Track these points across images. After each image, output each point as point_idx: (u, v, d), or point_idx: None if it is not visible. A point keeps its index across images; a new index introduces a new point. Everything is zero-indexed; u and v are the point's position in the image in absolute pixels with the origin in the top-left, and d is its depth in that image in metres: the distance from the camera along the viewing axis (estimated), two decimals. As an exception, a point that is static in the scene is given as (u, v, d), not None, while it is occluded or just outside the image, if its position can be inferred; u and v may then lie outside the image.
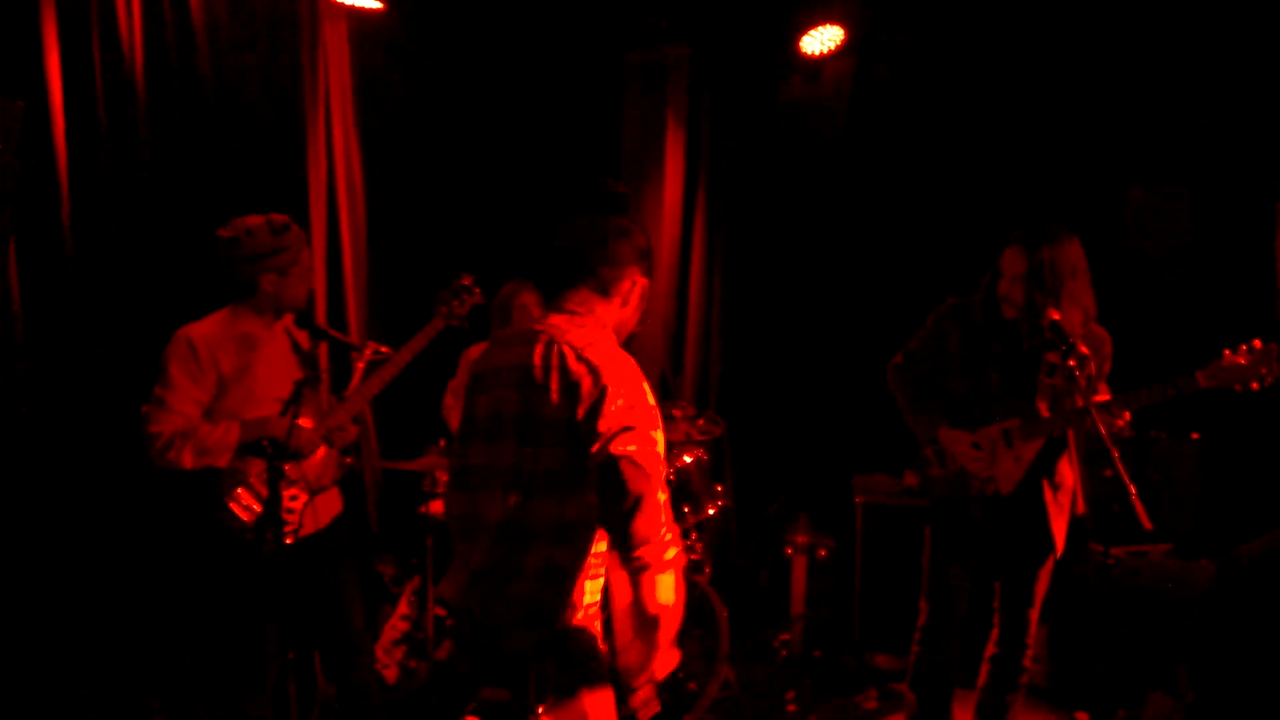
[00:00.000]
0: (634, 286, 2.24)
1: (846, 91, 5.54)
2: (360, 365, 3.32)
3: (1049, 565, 3.34)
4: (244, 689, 3.14)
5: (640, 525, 1.96)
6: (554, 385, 2.03)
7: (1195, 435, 4.47)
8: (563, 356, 2.04)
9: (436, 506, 4.12)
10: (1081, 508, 3.39)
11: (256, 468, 3.06)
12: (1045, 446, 3.25)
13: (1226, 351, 2.96)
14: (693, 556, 4.24)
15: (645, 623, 2.01)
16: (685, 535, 4.34)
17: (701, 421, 4.58)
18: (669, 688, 3.94)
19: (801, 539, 4.86)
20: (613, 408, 2.00)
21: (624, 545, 1.99)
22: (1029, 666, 3.42)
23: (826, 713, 4.33)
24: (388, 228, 5.21)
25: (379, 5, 4.91)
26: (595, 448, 1.99)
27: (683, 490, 4.24)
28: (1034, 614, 3.37)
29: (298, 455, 3.01)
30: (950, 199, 5.22)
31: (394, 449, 4.87)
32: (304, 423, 3.06)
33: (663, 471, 2.05)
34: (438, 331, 3.42)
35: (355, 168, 5.09)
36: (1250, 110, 4.55)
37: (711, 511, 4.40)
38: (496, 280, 4.00)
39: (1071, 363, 2.89)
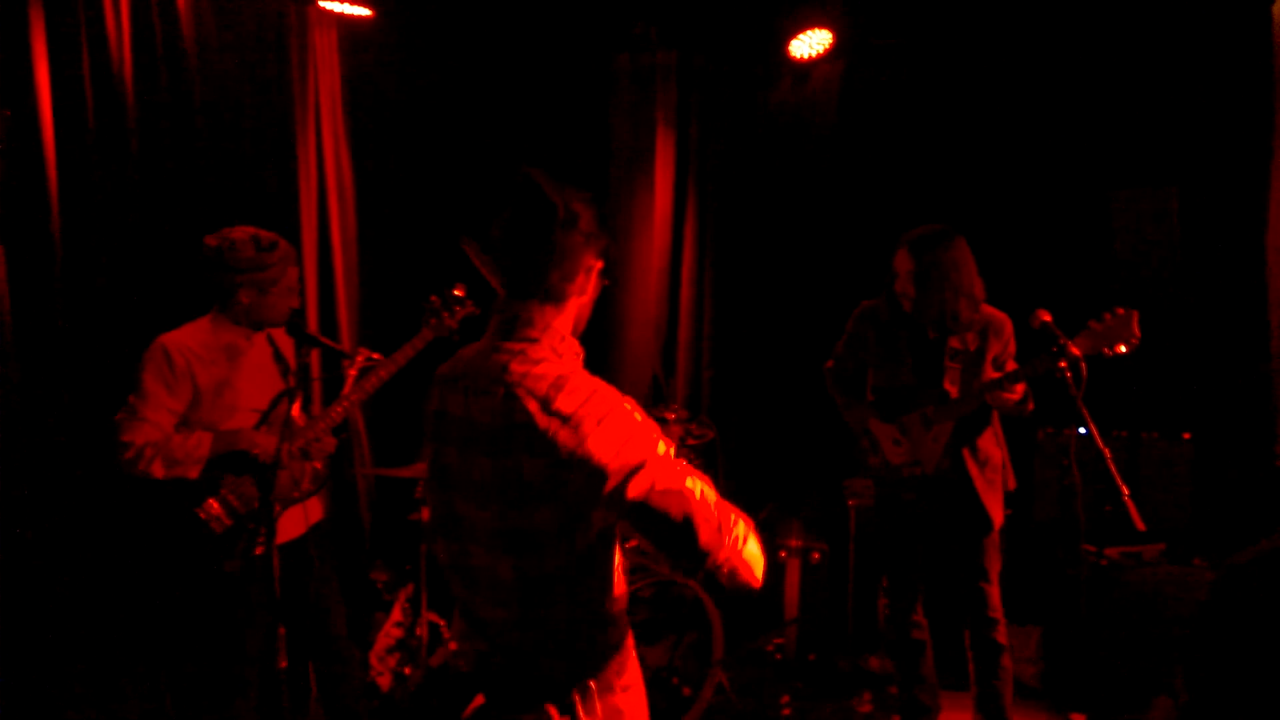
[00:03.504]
0: (589, 274, 1.99)
1: (835, 95, 5.56)
2: (353, 372, 3.32)
3: (992, 539, 3.59)
4: (227, 694, 3.12)
5: (706, 537, 1.84)
6: (525, 449, 1.82)
7: (1187, 436, 4.49)
8: (528, 414, 1.81)
9: (429, 513, 4.11)
10: (1012, 483, 3.69)
11: (229, 481, 3.05)
12: (961, 425, 3.55)
13: (1092, 321, 3.15)
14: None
15: (750, 581, 1.95)
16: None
17: (694, 426, 4.59)
18: (663, 692, 3.94)
19: (794, 543, 4.87)
20: (607, 455, 1.79)
21: (698, 562, 1.86)
22: (1003, 642, 3.60)
23: (820, 716, 4.34)
24: (379, 234, 5.20)
25: (368, 12, 4.91)
26: (607, 489, 1.80)
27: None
28: (990, 588, 3.60)
29: (270, 469, 2.98)
30: (939, 201, 5.22)
31: (387, 456, 4.86)
32: (273, 439, 3.04)
33: (684, 469, 1.89)
34: (425, 344, 3.41)
35: (346, 174, 5.08)
36: (1238, 109, 4.57)
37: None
38: (489, 286, 3.98)
39: (1063, 364, 2.98)
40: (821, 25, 5.18)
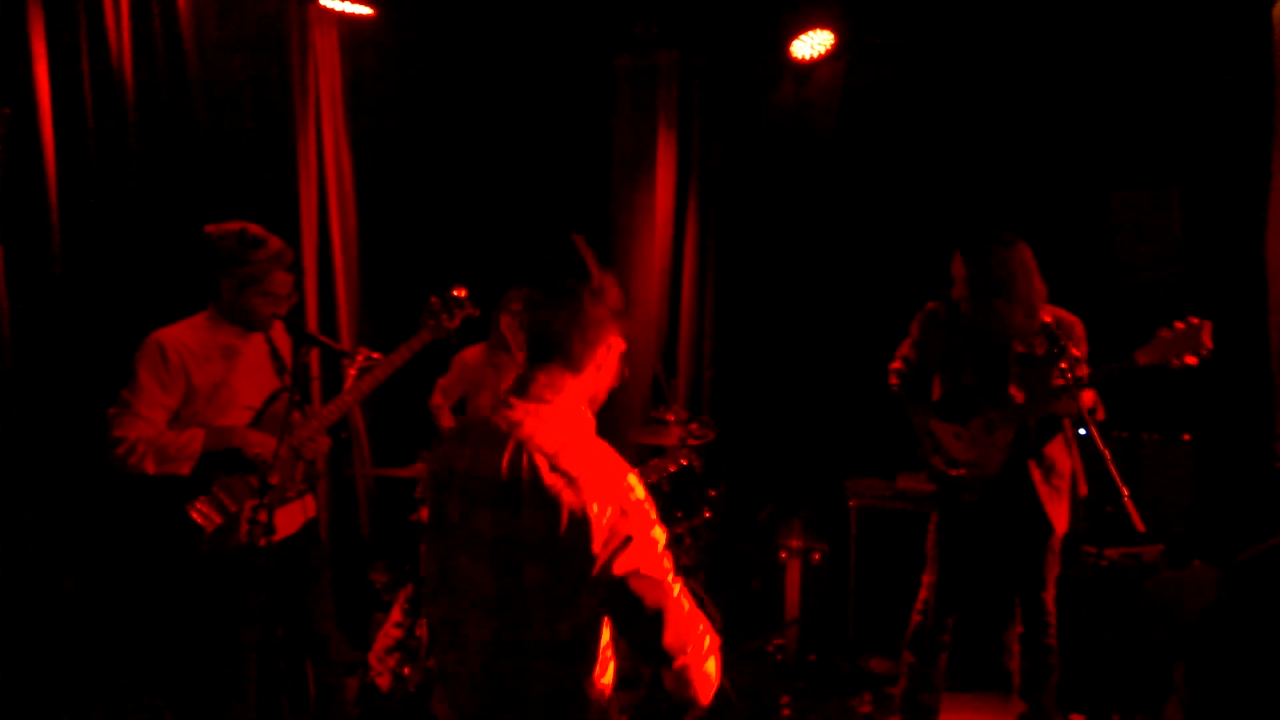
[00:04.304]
0: (610, 351, 2.03)
1: (837, 95, 5.56)
2: (353, 371, 3.32)
3: (1053, 547, 3.52)
4: (223, 695, 3.12)
5: (671, 638, 1.84)
6: (528, 503, 1.83)
7: (1187, 437, 4.48)
8: (535, 469, 1.84)
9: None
10: (1084, 490, 3.56)
11: (221, 479, 3.04)
12: (1023, 430, 3.45)
13: (1162, 330, 3.06)
14: (685, 561, 4.22)
15: (698, 695, 1.95)
16: (679, 541, 4.34)
17: (695, 426, 4.58)
18: (663, 692, 3.93)
19: (795, 543, 4.86)
20: (603, 522, 1.81)
21: (659, 658, 1.87)
22: (1054, 644, 3.58)
23: (821, 716, 4.33)
24: (379, 233, 5.19)
25: (369, 11, 4.91)
26: (595, 570, 1.82)
27: (676, 495, 4.23)
28: (1047, 596, 3.56)
29: (263, 467, 2.97)
30: (940, 201, 5.23)
31: (387, 456, 4.86)
32: (269, 439, 3.03)
33: (670, 568, 1.88)
34: (423, 345, 3.40)
35: (346, 173, 5.08)
36: (1239, 110, 4.57)
37: (706, 515, 4.40)
38: (488, 287, 3.98)
39: (1064, 364, 2.94)
40: (823, 26, 5.18)
